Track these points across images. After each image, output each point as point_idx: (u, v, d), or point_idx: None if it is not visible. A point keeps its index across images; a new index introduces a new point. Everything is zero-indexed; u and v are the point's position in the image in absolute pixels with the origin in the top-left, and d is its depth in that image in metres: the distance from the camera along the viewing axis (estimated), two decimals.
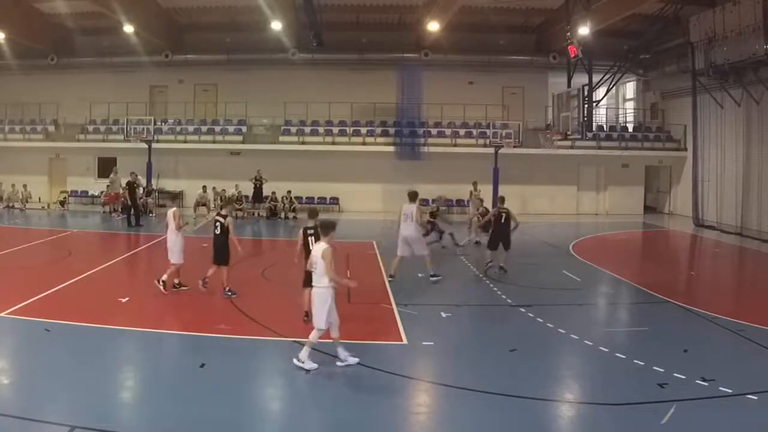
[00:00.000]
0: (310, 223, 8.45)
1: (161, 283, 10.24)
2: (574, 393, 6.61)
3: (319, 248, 6.88)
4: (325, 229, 7.08)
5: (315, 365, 6.79)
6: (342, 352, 6.94)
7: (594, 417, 5.92)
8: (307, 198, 24.46)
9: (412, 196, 11.73)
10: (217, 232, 10.11)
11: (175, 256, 10.47)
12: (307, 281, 7.66)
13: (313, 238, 8.14)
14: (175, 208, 10.88)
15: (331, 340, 7.04)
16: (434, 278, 11.61)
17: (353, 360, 6.93)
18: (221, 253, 10.09)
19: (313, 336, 6.85)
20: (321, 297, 6.78)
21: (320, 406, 6.00)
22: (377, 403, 6.20)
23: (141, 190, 21.63)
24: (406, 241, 11.50)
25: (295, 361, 6.78)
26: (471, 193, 20.22)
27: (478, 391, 6.34)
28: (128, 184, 20.10)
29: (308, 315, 8.58)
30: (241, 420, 5.64)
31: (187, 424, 5.56)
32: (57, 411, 5.65)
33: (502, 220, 12.34)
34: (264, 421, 5.85)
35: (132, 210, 19.78)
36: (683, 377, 6.65)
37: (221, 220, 10.13)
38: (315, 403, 6.08)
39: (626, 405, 6.02)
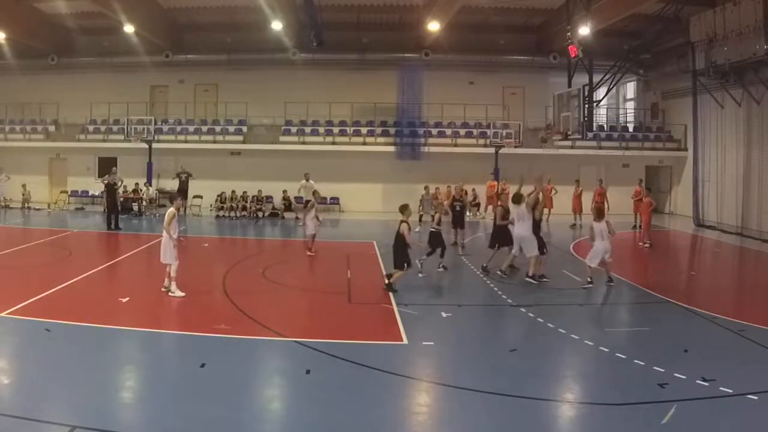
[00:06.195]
0: None
1: (171, 290, 9.85)
2: (574, 393, 6.61)
3: None
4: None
5: None
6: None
7: (594, 417, 5.92)
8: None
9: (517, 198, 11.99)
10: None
11: (167, 256, 9.88)
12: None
13: None
14: (172, 209, 10.12)
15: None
16: (532, 280, 11.57)
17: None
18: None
19: None
20: None
21: (320, 406, 5.99)
22: (377, 403, 6.19)
23: (122, 189, 20.92)
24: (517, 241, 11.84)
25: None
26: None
27: (478, 391, 6.33)
28: (107, 186, 18.73)
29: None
30: (241, 420, 5.64)
31: (187, 423, 5.55)
32: (57, 411, 5.65)
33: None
34: (264, 421, 5.85)
35: (113, 212, 18.33)
36: (683, 377, 6.65)
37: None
38: (315, 403, 6.07)
39: (626, 405, 6.02)
